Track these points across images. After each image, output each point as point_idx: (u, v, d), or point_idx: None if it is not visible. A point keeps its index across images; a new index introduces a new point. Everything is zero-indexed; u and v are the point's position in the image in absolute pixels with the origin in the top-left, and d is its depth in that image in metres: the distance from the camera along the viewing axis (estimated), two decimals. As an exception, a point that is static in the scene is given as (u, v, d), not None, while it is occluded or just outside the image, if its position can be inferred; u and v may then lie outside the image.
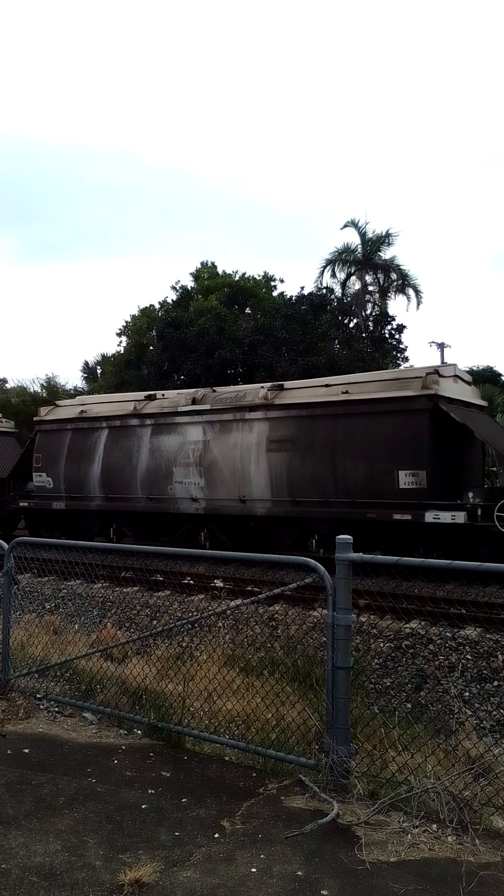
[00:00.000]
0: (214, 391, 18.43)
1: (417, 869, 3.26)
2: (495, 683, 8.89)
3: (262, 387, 17.33)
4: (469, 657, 9.36)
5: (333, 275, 32.26)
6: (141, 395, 20.07)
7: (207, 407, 17.46)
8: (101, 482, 19.17)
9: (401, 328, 28.96)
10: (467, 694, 8.82)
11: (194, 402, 17.89)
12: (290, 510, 15.82)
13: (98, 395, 22.89)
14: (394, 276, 32.09)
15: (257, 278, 33.99)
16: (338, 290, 31.70)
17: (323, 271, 32.23)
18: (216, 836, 3.55)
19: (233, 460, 16.71)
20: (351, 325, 29.75)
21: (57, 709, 5.56)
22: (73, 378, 42.01)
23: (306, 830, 3.55)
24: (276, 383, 17.31)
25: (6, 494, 22.35)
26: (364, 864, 3.27)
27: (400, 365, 27.65)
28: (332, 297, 30.06)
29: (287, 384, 17.24)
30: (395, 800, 3.83)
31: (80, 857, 3.31)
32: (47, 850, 3.35)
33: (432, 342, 36.82)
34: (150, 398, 19.28)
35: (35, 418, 21.64)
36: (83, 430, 19.97)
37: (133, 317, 35.08)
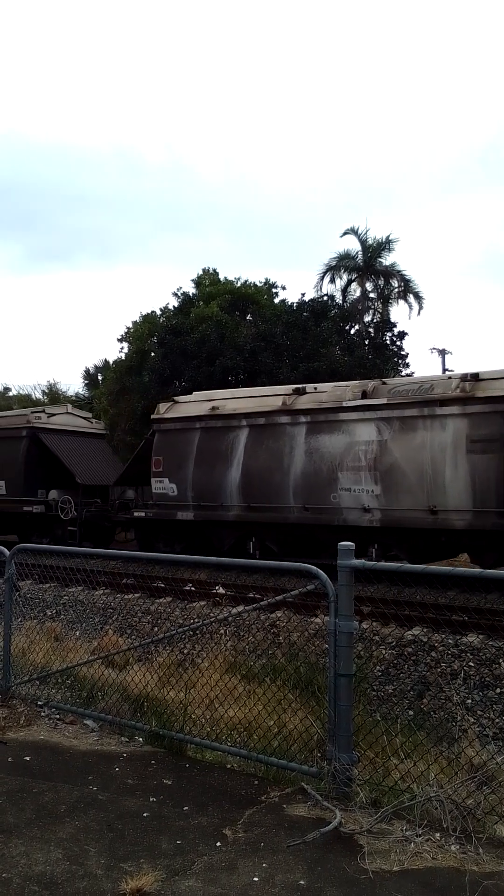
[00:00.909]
0: (385, 383, 16.00)
1: (421, 878, 3.24)
2: (498, 691, 8.85)
3: (450, 377, 15.07)
4: (471, 664, 9.33)
5: (333, 281, 32.35)
6: (287, 388, 17.68)
7: (383, 401, 14.95)
8: (240, 489, 16.70)
9: (402, 335, 29.00)
10: (470, 701, 8.78)
11: (364, 395, 15.35)
12: (497, 523, 13.34)
13: (228, 390, 20.56)
14: (394, 282, 32.15)
15: (258, 285, 34.04)
16: (338, 297, 31.77)
17: (323, 278, 32.32)
18: (218, 844, 3.53)
19: (420, 464, 14.24)
20: (352, 331, 29.77)
21: (58, 716, 5.54)
22: (74, 384, 42.12)
23: (308, 839, 3.53)
24: (468, 372, 14.43)
25: (107, 503, 20.94)
26: (367, 874, 3.25)
27: (401, 371, 27.66)
28: (333, 303, 30.09)
29: (483, 373, 14.35)
30: (398, 808, 3.81)
31: (82, 865, 3.29)
32: (48, 859, 3.33)
33: (433, 348, 36.83)
34: (300, 392, 16.83)
35: (153, 416, 19.24)
36: (216, 429, 17.48)
37: (135, 323, 35.12)
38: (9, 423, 22.54)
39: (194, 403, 18.74)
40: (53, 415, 22.62)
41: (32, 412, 22.64)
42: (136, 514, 18.94)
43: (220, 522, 17.22)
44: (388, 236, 31.95)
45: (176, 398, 19.75)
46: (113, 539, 21.48)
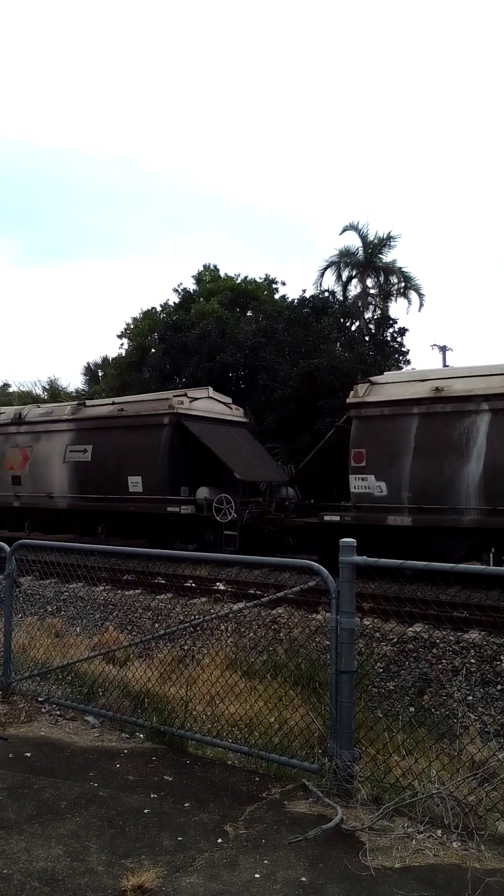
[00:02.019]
0: None
1: (422, 875, 3.23)
2: (499, 687, 8.85)
3: None
4: (473, 661, 9.33)
5: (339, 277, 32.27)
6: None
7: None
8: (480, 488, 13.80)
9: (403, 331, 28.96)
10: (471, 698, 8.78)
11: None
12: None
13: (450, 367, 17.45)
14: (394, 278, 32.09)
15: (259, 281, 34.02)
16: (339, 293, 31.72)
17: (323, 274, 32.25)
18: (219, 841, 3.52)
19: None
20: (353, 327, 29.74)
21: (59, 712, 5.54)
22: (74, 381, 42.12)
23: (310, 836, 3.52)
24: None
25: (263, 504, 17.59)
26: (368, 870, 3.24)
27: (402, 367, 27.63)
28: (334, 299, 30.06)
29: None
30: (400, 805, 3.80)
31: (83, 862, 3.28)
32: (49, 855, 3.32)
33: (434, 345, 36.77)
34: None
35: (349, 400, 16.06)
36: (443, 415, 14.42)
37: (135, 319, 35.15)
38: (148, 409, 18.77)
39: (403, 384, 15.61)
40: (195, 399, 18.84)
41: (175, 395, 18.74)
42: (326, 518, 15.62)
43: (450, 529, 14.22)
44: (389, 233, 31.86)
45: (372, 379, 16.46)
46: (280, 547, 17.51)
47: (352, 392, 16.08)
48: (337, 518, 15.40)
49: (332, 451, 16.59)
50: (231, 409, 20.07)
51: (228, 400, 20.28)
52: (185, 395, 18.78)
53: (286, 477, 19.11)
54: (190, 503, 17.57)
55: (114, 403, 20.25)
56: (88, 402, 21.69)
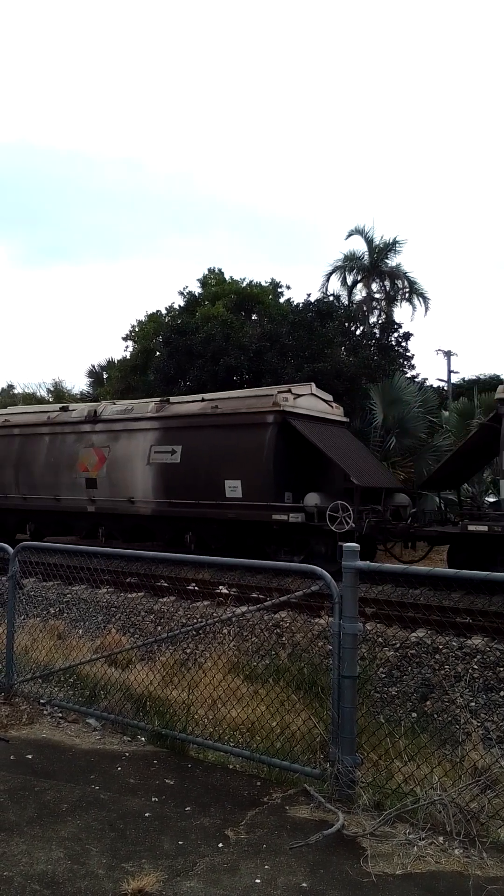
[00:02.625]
0: None
1: (424, 882, 3.21)
2: (502, 693, 8.82)
3: None
4: (476, 667, 9.30)
5: (344, 282, 32.32)
6: None
7: None
8: None
9: (407, 336, 28.96)
10: (474, 704, 8.75)
11: None
12: None
13: None
14: (399, 283, 32.11)
15: (264, 285, 34.06)
16: (344, 298, 31.75)
17: (328, 278, 32.31)
18: (220, 845, 3.51)
19: None
20: (357, 332, 29.75)
21: (60, 714, 5.53)
22: (79, 383, 42.11)
23: (311, 841, 3.51)
24: None
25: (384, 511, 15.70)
26: (370, 877, 3.23)
27: (406, 372, 27.61)
28: (339, 304, 30.08)
29: None
30: (402, 811, 3.79)
31: (83, 865, 3.27)
32: (50, 858, 3.32)
33: (439, 350, 36.73)
34: None
35: (497, 396, 14.67)
36: None
37: (140, 322, 35.21)
38: (249, 406, 17.07)
39: None
40: (299, 395, 17.23)
41: (279, 392, 17.01)
42: (471, 527, 13.98)
43: None
44: (395, 238, 31.90)
45: None
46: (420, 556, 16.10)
47: (500, 387, 14.66)
48: (485, 528, 13.66)
49: (473, 454, 15.30)
50: (332, 407, 18.41)
51: (330, 397, 18.55)
52: (290, 391, 17.18)
53: (399, 483, 17.69)
54: (299, 510, 15.79)
55: (203, 400, 18.55)
56: (173, 399, 19.85)
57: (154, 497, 18.28)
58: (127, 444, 19.09)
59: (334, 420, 18.07)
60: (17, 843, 3.44)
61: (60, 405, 23.05)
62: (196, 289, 34.50)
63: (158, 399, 20.05)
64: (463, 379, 39.88)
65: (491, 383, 31.09)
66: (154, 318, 34.55)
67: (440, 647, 9.79)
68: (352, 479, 15.45)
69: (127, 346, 35.75)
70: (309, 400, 17.57)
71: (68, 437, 20.37)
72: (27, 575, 7.72)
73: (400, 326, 29.55)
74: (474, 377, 38.32)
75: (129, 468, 18.81)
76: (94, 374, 40.07)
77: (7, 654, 6.03)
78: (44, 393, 40.80)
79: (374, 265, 31.81)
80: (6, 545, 6.38)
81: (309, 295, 30.75)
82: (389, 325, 30.01)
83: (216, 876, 3.21)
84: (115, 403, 21.24)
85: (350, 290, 32.42)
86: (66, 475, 19.99)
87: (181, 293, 34.33)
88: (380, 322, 31.14)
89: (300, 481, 16.37)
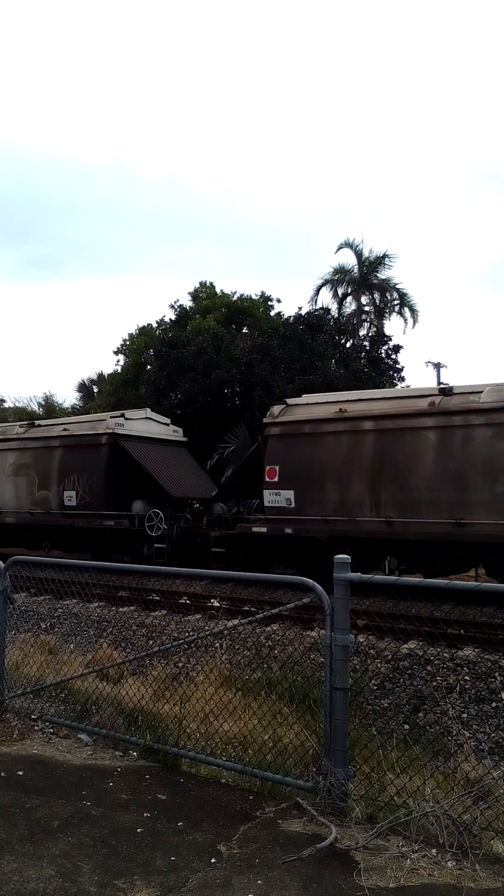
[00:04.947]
0: None
1: (417, 895, 3.21)
2: (494, 705, 8.82)
3: None
4: (467, 678, 9.30)
5: (336, 294, 32.52)
6: None
7: None
8: None
9: (397, 348, 29.14)
10: (465, 715, 8.75)
11: None
12: None
13: None
14: (389, 295, 32.33)
15: (254, 298, 34.23)
16: (334, 310, 31.94)
17: (318, 291, 32.50)
18: (212, 860, 3.49)
19: None
20: (348, 345, 29.91)
21: (52, 730, 5.50)
22: (69, 397, 42.06)
23: (304, 855, 3.50)
24: None
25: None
26: (363, 891, 3.22)
27: (396, 384, 27.77)
28: (329, 317, 30.26)
29: None
30: (394, 824, 3.78)
31: (75, 882, 3.25)
32: (41, 876, 3.29)
33: (428, 362, 36.92)
34: None
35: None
36: None
37: (131, 335, 35.29)
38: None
39: None
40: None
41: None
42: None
43: None
44: (385, 252, 32.14)
45: None
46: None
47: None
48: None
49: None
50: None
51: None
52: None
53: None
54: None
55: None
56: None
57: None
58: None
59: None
60: (7, 861, 3.41)
61: None
62: (187, 302, 34.66)
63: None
64: (452, 391, 40.02)
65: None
66: (145, 331, 34.64)
67: (432, 658, 9.80)
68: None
69: (118, 360, 35.83)
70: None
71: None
72: (18, 589, 7.66)
73: (390, 339, 29.75)
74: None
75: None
76: (84, 388, 40.07)
77: (-3, 669, 5.99)
78: (35, 407, 40.74)
79: (364, 278, 32.02)
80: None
81: (300, 308, 30.90)
82: (379, 337, 30.19)
83: (209, 892, 3.20)
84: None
85: (340, 303, 32.63)
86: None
87: (172, 307, 34.50)
88: (370, 335, 31.33)
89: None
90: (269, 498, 15.96)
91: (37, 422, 23.04)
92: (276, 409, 16.55)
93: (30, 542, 21.14)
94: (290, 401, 16.94)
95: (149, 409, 21.71)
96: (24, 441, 21.45)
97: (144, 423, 20.66)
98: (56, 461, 20.15)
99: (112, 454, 19.17)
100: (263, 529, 16.06)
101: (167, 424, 21.52)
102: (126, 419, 19.96)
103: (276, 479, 15.81)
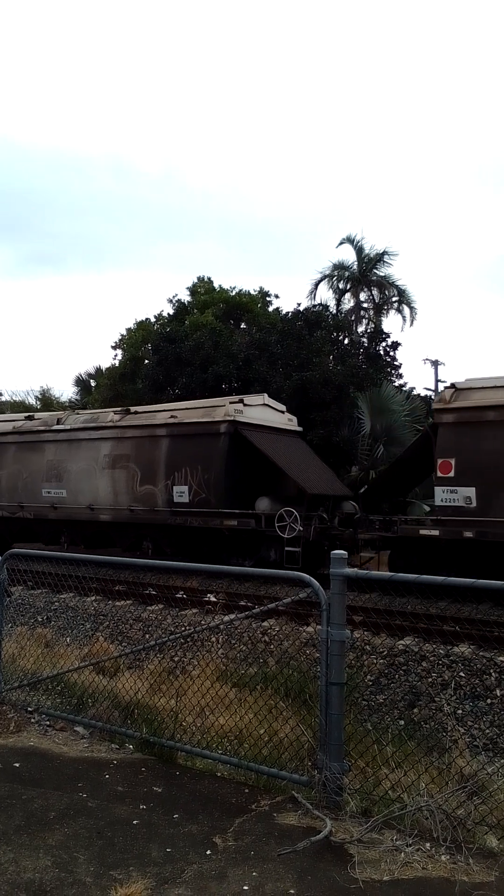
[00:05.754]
0: None
1: (411, 888, 3.23)
2: (488, 701, 8.86)
3: None
4: (462, 674, 9.34)
5: (336, 290, 32.45)
6: None
7: None
8: None
9: (395, 345, 29.12)
10: (460, 711, 8.79)
11: None
12: None
13: None
14: (388, 292, 32.28)
15: (253, 293, 34.17)
16: (332, 306, 31.90)
17: (317, 286, 32.44)
18: (208, 852, 3.51)
19: None
20: (346, 341, 29.88)
21: (48, 722, 5.52)
22: (67, 391, 41.96)
23: (299, 848, 3.53)
24: None
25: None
26: (357, 883, 3.24)
27: (394, 381, 27.76)
28: (327, 313, 30.22)
29: None
30: (389, 818, 3.81)
31: (71, 873, 3.27)
32: (37, 866, 3.31)
33: (426, 359, 36.95)
34: None
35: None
36: None
37: (129, 330, 35.22)
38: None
39: None
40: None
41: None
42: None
43: None
44: (385, 249, 32.07)
45: None
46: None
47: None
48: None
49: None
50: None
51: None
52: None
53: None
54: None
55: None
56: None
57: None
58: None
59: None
60: (4, 852, 3.43)
61: None
62: (185, 297, 34.59)
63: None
64: (450, 388, 39.97)
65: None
66: (143, 326, 34.58)
67: (427, 654, 9.83)
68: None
69: (116, 355, 35.77)
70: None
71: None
72: (15, 583, 7.69)
73: (388, 336, 29.72)
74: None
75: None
76: (81, 383, 40.03)
77: (-6, 662, 6.01)
78: (32, 400, 40.71)
79: (364, 274, 31.98)
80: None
81: (298, 304, 30.87)
82: (377, 334, 30.17)
83: (204, 883, 3.22)
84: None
85: (339, 298, 32.57)
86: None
87: (170, 301, 34.41)
88: (368, 331, 31.30)
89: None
90: (443, 496, 13.71)
91: (132, 408, 20.18)
92: (448, 393, 14.36)
93: (128, 542, 18.78)
94: (460, 384, 14.47)
95: (266, 395, 18.91)
96: (122, 430, 18.79)
97: (262, 410, 17.97)
98: (163, 452, 17.63)
99: (233, 445, 16.59)
100: (435, 532, 13.80)
101: (283, 412, 18.79)
102: (245, 405, 17.32)
103: (451, 473, 13.58)
